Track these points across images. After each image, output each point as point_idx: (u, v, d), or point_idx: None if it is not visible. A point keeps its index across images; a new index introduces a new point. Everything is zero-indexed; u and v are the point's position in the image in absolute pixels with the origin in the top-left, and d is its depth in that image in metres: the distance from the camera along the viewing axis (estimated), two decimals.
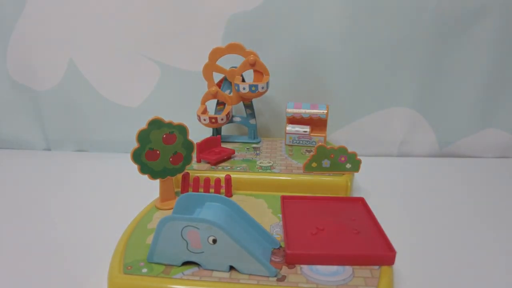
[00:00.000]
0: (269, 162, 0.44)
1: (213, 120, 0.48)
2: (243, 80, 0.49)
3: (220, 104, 0.52)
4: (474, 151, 0.59)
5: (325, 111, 0.49)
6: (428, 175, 0.51)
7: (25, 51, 0.57)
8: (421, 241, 0.35)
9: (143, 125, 0.33)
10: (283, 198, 0.35)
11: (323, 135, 0.50)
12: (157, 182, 0.36)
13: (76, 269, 0.31)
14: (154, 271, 0.26)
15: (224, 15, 0.53)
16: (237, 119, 0.52)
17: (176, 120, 0.34)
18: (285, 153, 0.48)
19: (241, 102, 0.51)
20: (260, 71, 0.48)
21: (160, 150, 0.34)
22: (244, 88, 0.47)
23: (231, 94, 0.50)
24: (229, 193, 0.38)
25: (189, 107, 0.51)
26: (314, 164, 0.40)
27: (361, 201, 0.35)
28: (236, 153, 0.47)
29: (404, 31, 0.52)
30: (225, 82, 0.51)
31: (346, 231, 0.30)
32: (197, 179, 0.37)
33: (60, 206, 0.42)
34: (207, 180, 0.37)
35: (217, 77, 0.50)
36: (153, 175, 0.35)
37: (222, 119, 0.48)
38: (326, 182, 0.40)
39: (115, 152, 0.60)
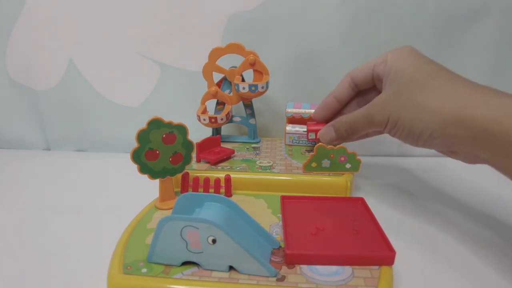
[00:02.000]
0: (269, 162, 0.44)
1: (213, 120, 0.48)
2: (243, 80, 0.49)
3: (220, 104, 0.52)
4: None
5: None
6: (428, 175, 0.51)
7: (25, 51, 0.57)
8: (421, 241, 0.34)
9: (143, 125, 0.33)
10: (283, 198, 0.35)
11: None
12: (156, 182, 0.36)
13: (76, 269, 0.31)
14: (154, 271, 0.26)
15: (224, 15, 0.53)
16: (237, 119, 0.52)
17: (176, 120, 0.34)
18: (285, 153, 0.48)
19: (241, 102, 0.51)
20: (260, 71, 0.48)
21: (159, 150, 0.34)
22: (244, 88, 0.47)
23: (231, 94, 0.50)
24: (228, 193, 0.38)
25: (189, 107, 0.51)
26: (314, 164, 0.40)
27: (361, 201, 0.35)
28: (235, 153, 0.47)
29: (404, 31, 0.52)
30: (225, 82, 0.51)
31: (346, 231, 0.30)
32: (196, 179, 0.37)
33: (59, 206, 0.42)
34: (206, 180, 0.37)
35: (217, 77, 0.50)
36: (153, 175, 0.35)
37: (222, 119, 0.48)
38: (326, 182, 0.40)
39: (115, 152, 0.60)
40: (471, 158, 0.31)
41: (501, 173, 0.28)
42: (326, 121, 0.43)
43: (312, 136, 0.43)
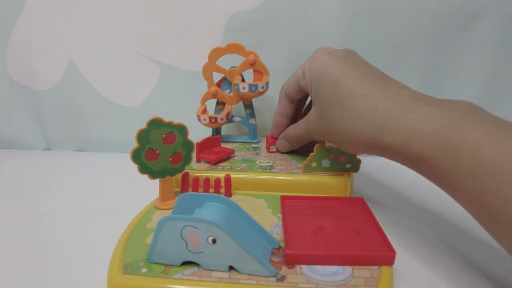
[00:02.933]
0: (269, 162, 0.44)
1: (213, 120, 0.48)
2: (243, 80, 0.49)
3: (220, 104, 0.52)
4: None
5: None
6: None
7: (25, 51, 0.57)
8: (421, 241, 0.35)
9: (143, 125, 0.33)
10: (283, 198, 0.35)
11: None
12: (156, 182, 0.36)
13: (76, 269, 0.31)
14: (154, 271, 0.26)
15: (224, 15, 0.53)
16: (236, 119, 0.52)
17: (176, 120, 0.34)
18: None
19: (241, 102, 0.51)
20: (260, 71, 0.48)
21: (159, 150, 0.34)
22: (244, 88, 0.47)
23: (231, 94, 0.50)
24: (228, 193, 0.38)
25: (189, 107, 0.51)
26: (313, 164, 0.40)
27: (361, 201, 0.35)
28: (235, 153, 0.47)
29: (404, 31, 0.52)
30: (225, 82, 0.51)
31: (345, 231, 0.30)
32: (196, 179, 0.37)
33: (59, 206, 0.42)
34: (206, 180, 0.37)
35: (217, 77, 0.50)
36: (153, 175, 0.34)
37: (222, 119, 0.48)
38: (326, 182, 0.40)
39: (115, 152, 0.60)
40: None
41: None
42: None
43: (273, 148, 0.47)
